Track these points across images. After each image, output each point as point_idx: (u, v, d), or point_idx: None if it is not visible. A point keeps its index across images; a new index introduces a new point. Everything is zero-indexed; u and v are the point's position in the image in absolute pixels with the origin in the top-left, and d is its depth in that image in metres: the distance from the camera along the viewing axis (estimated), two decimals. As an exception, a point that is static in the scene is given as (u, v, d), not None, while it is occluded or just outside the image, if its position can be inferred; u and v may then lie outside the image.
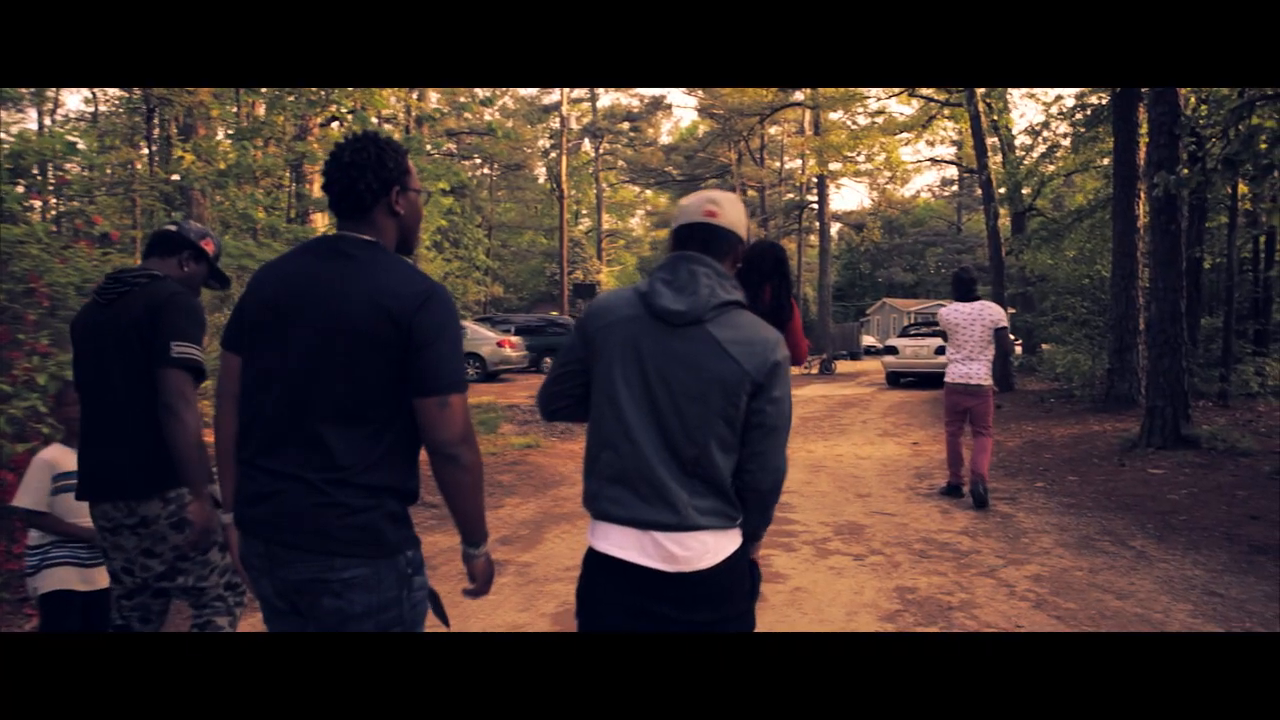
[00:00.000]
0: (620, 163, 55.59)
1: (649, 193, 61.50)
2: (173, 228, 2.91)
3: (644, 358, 1.97)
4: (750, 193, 45.12)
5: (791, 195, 46.66)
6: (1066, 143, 17.75)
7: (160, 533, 2.67)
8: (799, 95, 31.68)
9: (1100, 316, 14.87)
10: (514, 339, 22.32)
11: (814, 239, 52.16)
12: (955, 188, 57.18)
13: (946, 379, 7.26)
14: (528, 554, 5.62)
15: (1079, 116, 15.13)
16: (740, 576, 2.04)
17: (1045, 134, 18.29)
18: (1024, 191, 21.05)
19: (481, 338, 21.78)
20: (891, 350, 19.32)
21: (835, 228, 53.36)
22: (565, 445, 10.62)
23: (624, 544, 1.96)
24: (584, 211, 63.38)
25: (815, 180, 38.21)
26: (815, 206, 42.88)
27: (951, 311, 7.20)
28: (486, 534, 2.10)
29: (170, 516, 2.68)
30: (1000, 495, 7.27)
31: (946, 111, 21.22)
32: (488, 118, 43.93)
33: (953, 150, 36.23)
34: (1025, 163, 18.88)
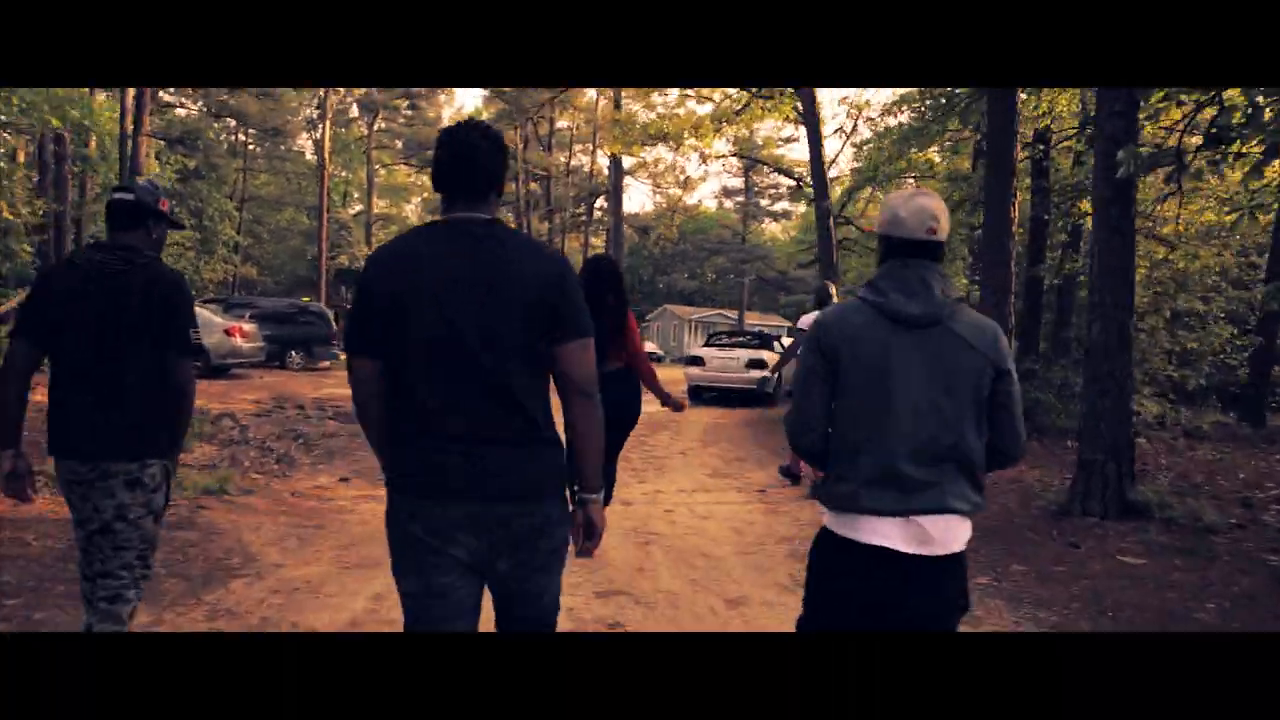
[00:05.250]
0: (397, 143, 50.94)
1: (425, 178, 57.22)
2: (129, 196, 2.94)
3: (893, 360, 2.13)
4: (532, 185, 42.21)
5: (575, 192, 44.11)
6: (884, 144, 16.13)
7: (111, 489, 2.83)
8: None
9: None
10: (247, 326, 18.18)
11: (595, 241, 49.99)
12: (741, 197, 57.01)
13: None
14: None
15: (923, 108, 13.39)
16: (966, 563, 2.24)
17: (868, 132, 16.63)
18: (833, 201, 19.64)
19: (206, 324, 17.51)
20: (696, 361, 16.99)
21: (625, 229, 51.48)
22: (278, 488, 7.28)
23: (888, 533, 2.12)
24: (356, 193, 58.00)
25: (608, 169, 35.79)
26: (606, 202, 40.58)
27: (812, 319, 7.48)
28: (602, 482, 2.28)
29: (128, 475, 2.84)
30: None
31: (762, 105, 19.24)
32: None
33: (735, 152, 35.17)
34: (838, 169, 17.14)
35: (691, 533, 6.31)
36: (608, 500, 5.56)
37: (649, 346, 42.25)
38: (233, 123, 45.80)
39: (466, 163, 2.15)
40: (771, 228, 63.08)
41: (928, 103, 13.33)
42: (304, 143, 54.75)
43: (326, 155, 28.80)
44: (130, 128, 21.57)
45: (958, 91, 12.45)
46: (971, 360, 2.14)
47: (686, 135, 19.23)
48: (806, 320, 7.58)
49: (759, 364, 16.41)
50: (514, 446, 2.11)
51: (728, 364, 16.46)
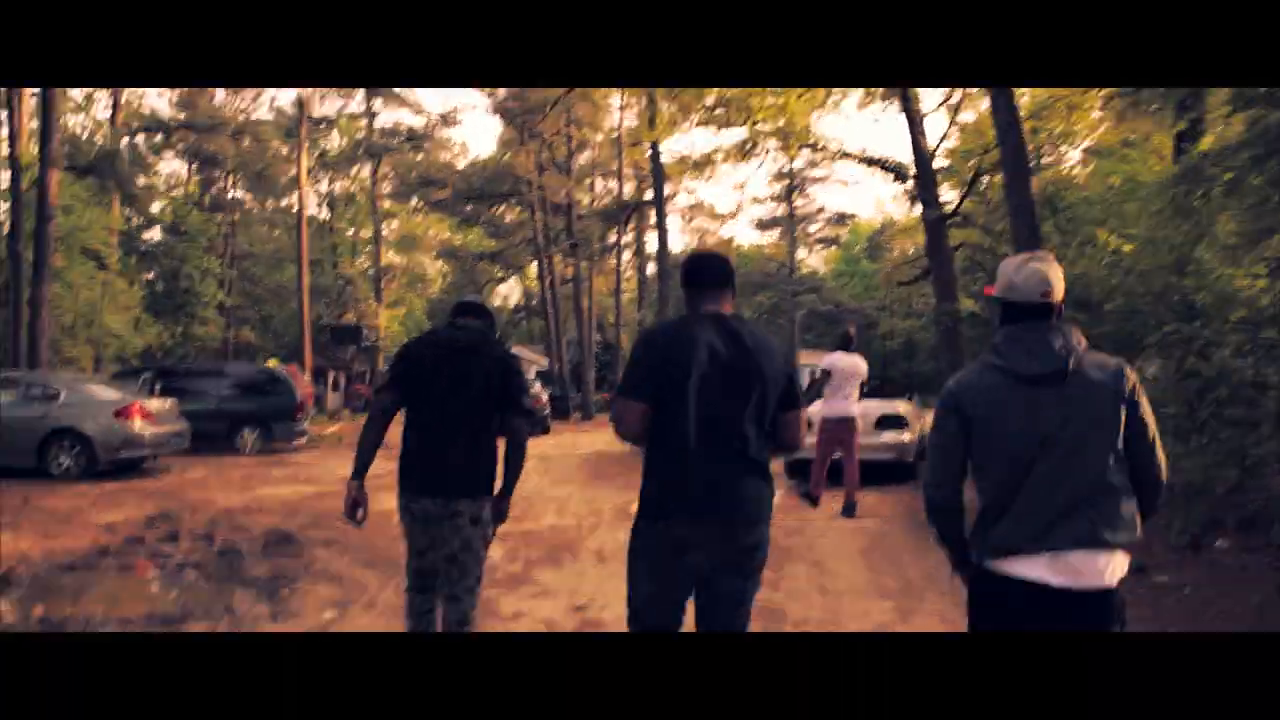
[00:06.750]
0: (413, 199, 45.82)
1: (444, 227, 52.69)
2: (477, 298, 4.04)
3: (1028, 415, 2.35)
4: (555, 220, 37.09)
5: (601, 224, 38.62)
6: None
7: (459, 525, 3.54)
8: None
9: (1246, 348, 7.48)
10: (154, 404, 12.93)
11: (626, 283, 44.84)
12: (778, 230, 51.77)
13: (827, 414, 8.99)
14: None
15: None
16: (1123, 602, 2.37)
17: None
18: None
19: (86, 403, 12.26)
20: (798, 421, 11.54)
21: (650, 268, 45.78)
22: None
23: (1033, 567, 2.29)
24: (366, 246, 53.33)
25: (649, 178, 30.33)
26: (636, 228, 35.16)
27: (838, 358, 9.10)
28: None
29: (472, 513, 3.55)
30: None
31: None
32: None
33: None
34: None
35: None
36: None
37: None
38: (219, 173, 41.54)
39: (709, 273, 2.95)
40: (810, 260, 57.85)
41: None
42: (306, 189, 50.48)
43: (302, 178, 23.73)
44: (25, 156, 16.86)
45: None
46: (1104, 396, 2.35)
47: (761, 116, 13.82)
48: (829, 360, 9.16)
49: (895, 422, 11.05)
50: (744, 478, 2.76)
51: (850, 424, 10.98)
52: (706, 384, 2.68)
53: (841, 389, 8.98)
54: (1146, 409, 2.41)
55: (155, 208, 34.03)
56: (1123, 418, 2.35)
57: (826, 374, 9.06)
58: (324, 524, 8.68)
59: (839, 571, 6.45)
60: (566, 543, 7.43)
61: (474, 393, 3.53)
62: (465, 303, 3.85)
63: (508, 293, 61.78)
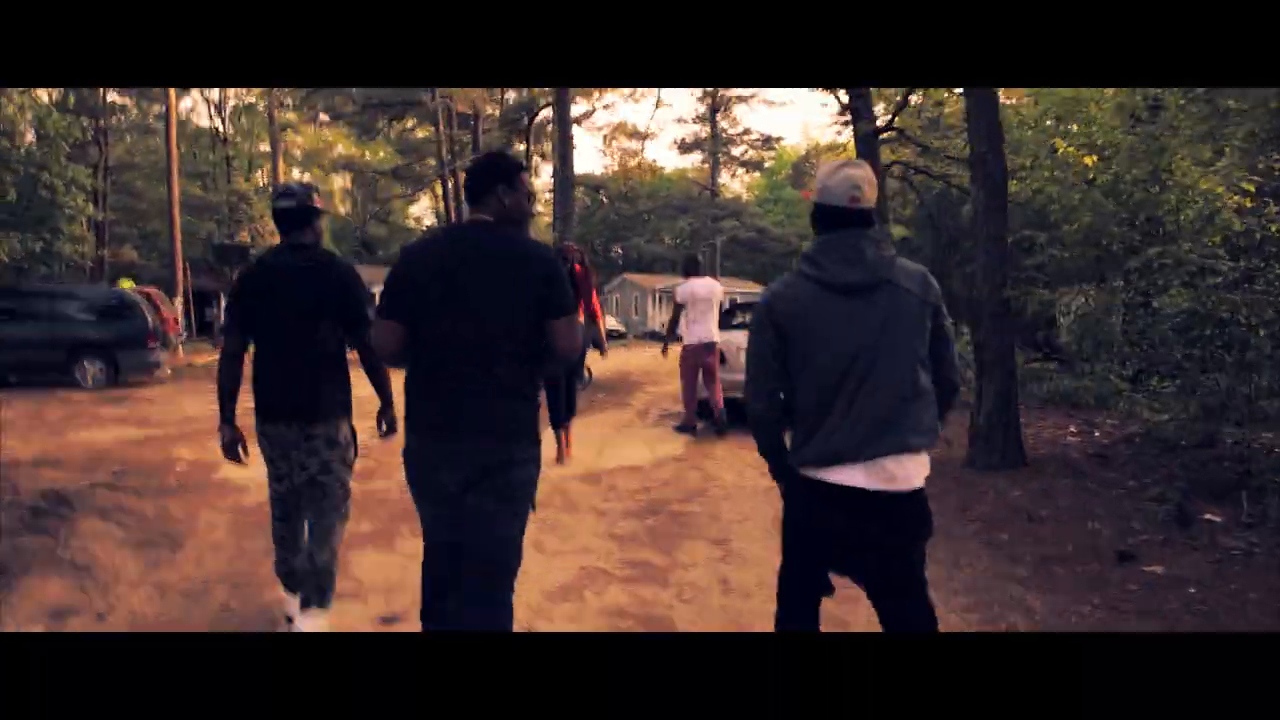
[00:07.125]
0: (318, 106, 42.37)
1: (350, 144, 49.52)
2: (297, 188, 3.77)
3: (842, 325, 2.35)
4: (461, 133, 34.56)
5: (506, 129, 35.93)
6: None
7: (315, 448, 3.53)
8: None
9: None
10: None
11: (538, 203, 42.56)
12: (701, 152, 49.88)
13: (689, 341, 8.98)
14: None
15: None
16: (927, 503, 2.45)
17: None
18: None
19: None
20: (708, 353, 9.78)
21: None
22: None
23: (851, 475, 2.34)
24: (266, 161, 49.67)
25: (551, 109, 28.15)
26: (550, 143, 32.69)
27: (694, 285, 9.02)
28: None
29: (326, 436, 3.53)
30: None
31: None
32: None
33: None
34: None
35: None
36: (571, 416, 7.60)
37: (610, 322, 35.68)
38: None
39: (470, 178, 2.80)
40: (733, 185, 56.33)
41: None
42: (195, 99, 46.88)
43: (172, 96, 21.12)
44: None
45: None
46: (911, 305, 2.38)
47: None
48: (686, 288, 9.08)
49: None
50: (490, 397, 2.64)
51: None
52: (453, 297, 2.64)
53: (705, 315, 9.02)
54: (947, 315, 2.50)
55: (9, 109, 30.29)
56: (928, 325, 2.43)
57: (680, 305, 9.15)
58: (126, 481, 7.04)
59: (747, 554, 5.05)
60: (410, 510, 5.88)
61: (310, 315, 3.50)
62: (286, 209, 3.59)
63: (420, 213, 59.04)
